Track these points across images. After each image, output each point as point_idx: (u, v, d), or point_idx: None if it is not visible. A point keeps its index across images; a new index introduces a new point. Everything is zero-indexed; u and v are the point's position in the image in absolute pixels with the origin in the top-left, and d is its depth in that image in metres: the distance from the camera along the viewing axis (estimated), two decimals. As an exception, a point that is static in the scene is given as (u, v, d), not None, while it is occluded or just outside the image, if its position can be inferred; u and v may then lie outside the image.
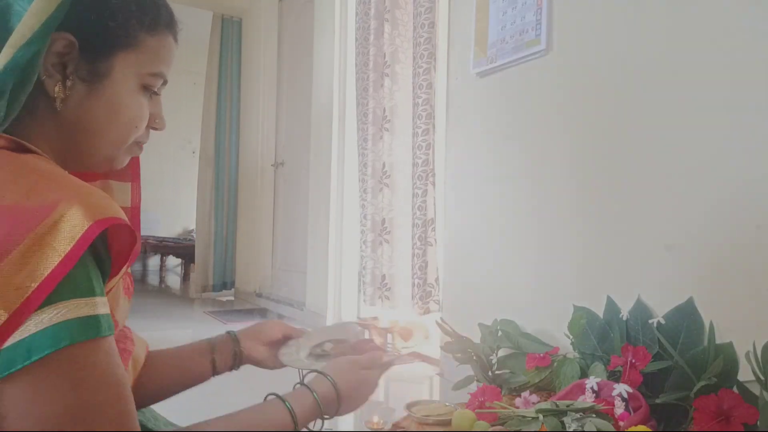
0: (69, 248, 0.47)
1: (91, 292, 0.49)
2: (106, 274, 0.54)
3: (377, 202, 2.49)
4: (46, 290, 0.46)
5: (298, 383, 0.77)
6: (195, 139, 4.93)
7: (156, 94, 0.67)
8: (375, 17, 2.53)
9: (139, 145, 0.68)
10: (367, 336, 0.94)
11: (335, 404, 0.73)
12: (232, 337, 0.91)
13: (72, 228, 0.47)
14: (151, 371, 0.80)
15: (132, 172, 0.74)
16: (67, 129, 0.60)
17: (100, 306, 0.50)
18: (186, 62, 6.20)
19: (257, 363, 0.93)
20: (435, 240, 2.19)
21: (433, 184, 2.19)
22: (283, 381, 0.87)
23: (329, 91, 3.09)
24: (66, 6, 0.55)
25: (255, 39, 4.19)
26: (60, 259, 0.47)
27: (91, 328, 0.49)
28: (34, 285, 0.46)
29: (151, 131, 0.70)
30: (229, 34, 4.35)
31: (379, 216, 2.48)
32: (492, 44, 1.87)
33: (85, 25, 0.58)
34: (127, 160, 0.68)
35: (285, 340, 0.94)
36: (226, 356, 0.89)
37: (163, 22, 0.64)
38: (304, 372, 0.81)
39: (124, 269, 0.58)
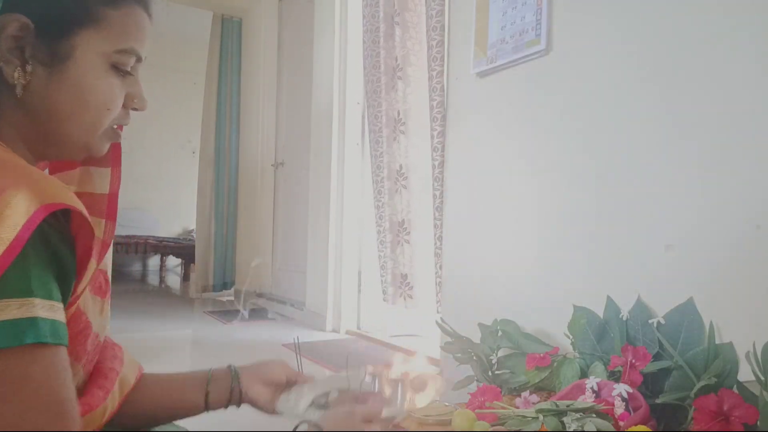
0: (13, 236, 0.42)
1: (26, 292, 0.43)
2: (70, 275, 0.50)
3: (394, 203, 2.50)
4: None
5: None
6: (195, 139, 4.93)
7: (130, 73, 0.61)
8: (384, 20, 2.53)
9: (117, 129, 0.63)
10: (376, 386, 0.88)
11: None
12: (233, 372, 0.83)
13: (16, 215, 0.43)
14: (141, 395, 0.75)
15: (112, 157, 0.69)
16: (34, 116, 0.56)
17: (41, 309, 0.44)
18: (186, 62, 6.25)
19: (254, 404, 0.84)
20: (448, 239, 2.20)
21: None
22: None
23: (329, 92, 3.09)
24: None
25: (255, 39, 4.20)
26: (4, 248, 0.42)
27: (20, 333, 0.42)
28: None
29: (141, 118, 0.66)
30: (229, 34, 4.34)
31: (398, 217, 2.49)
32: (492, 44, 1.87)
33: (38, 4, 0.54)
34: (106, 147, 0.64)
35: (289, 384, 0.86)
36: (222, 391, 0.81)
37: None
38: (300, 421, 0.74)
39: (91, 266, 0.53)
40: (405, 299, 2.45)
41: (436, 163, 2.19)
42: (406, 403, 0.87)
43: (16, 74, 0.54)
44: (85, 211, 0.49)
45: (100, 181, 0.69)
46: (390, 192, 2.52)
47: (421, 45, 2.43)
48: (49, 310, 0.45)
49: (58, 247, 0.48)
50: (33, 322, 0.43)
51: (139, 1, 0.61)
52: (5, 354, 0.42)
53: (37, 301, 0.44)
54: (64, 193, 0.47)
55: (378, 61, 2.57)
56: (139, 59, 0.61)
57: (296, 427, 0.73)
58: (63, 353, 0.47)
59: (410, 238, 2.46)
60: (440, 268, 2.19)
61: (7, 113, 0.56)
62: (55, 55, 0.55)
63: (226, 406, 0.82)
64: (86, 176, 0.69)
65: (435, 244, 2.23)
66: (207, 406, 0.81)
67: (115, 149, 0.69)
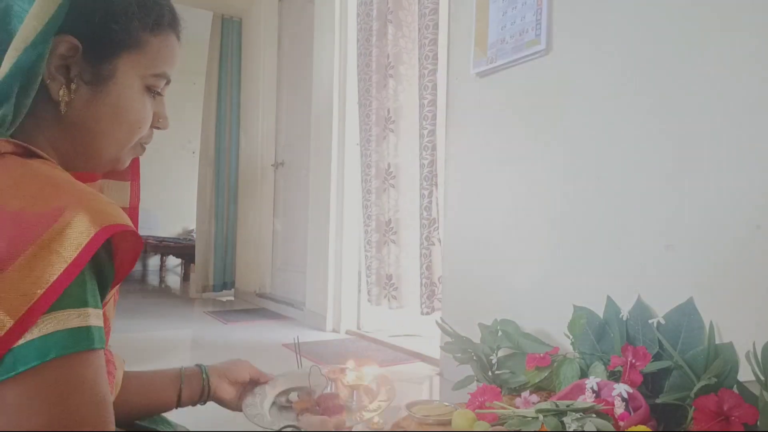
0: (75, 255, 0.46)
1: (83, 303, 0.48)
2: (108, 284, 0.53)
3: (382, 202, 2.49)
4: (52, 297, 0.45)
5: None
6: (195, 139, 4.93)
7: (159, 94, 0.67)
8: (377, 18, 2.53)
9: (141, 145, 0.68)
10: (331, 389, 0.95)
11: None
12: (203, 371, 0.90)
13: (78, 235, 0.47)
14: (123, 392, 0.79)
15: (131, 172, 0.74)
16: (72, 132, 0.59)
17: (93, 318, 0.49)
18: (186, 62, 6.21)
19: (221, 402, 0.92)
20: (438, 240, 2.19)
21: (436, 185, 2.20)
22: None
23: (329, 91, 3.09)
24: (66, 7, 0.54)
25: (255, 39, 4.19)
26: (66, 266, 0.46)
27: (81, 340, 0.47)
28: (40, 292, 0.45)
29: (155, 131, 0.69)
30: (229, 34, 4.34)
31: (384, 216, 2.48)
32: (492, 44, 1.87)
33: (87, 27, 0.57)
34: (129, 161, 0.68)
35: (252, 383, 0.94)
36: (193, 389, 0.88)
37: (166, 22, 0.64)
38: (282, 426, 0.81)
39: (125, 276, 0.57)
40: (389, 300, 2.45)
41: (425, 162, 2.19)
42: (362, 407, 0.93)
43: (61, 92, 0.57)
44: (135, 229, 0.53)
45: (119, 194, 0.73)
46: (378, 191, 2.52)
47: (414, 44, 2.43)
48: (97, 318, 0.49)
49: (102, 259, 0.52)
50: (89, 330, 0.48)
51: (174, 28, 0.66)
52: (66, 358, 0.46)
53: (91, 310, 0.49)
54: (119, 213, 0.51)
55: (370, 59, 2.57)
56: (168, 82, 0.67)
57: (282, 428, 0.80)
58: (103, 356, 0.52)
59: (396, 238, 2.45)
60: (426, 268, 2.19)
61: (46, 127, 0.59)
62: (98, 75, 0.59)
63: (194, 404, 0.89)
64: (106, 191, 0.72)
65: (422, 244, 2.22)
66: (179, 404, 0.87)
67: (134, 164, 0.73)
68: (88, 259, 0.47)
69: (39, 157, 0.54)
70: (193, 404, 0.89)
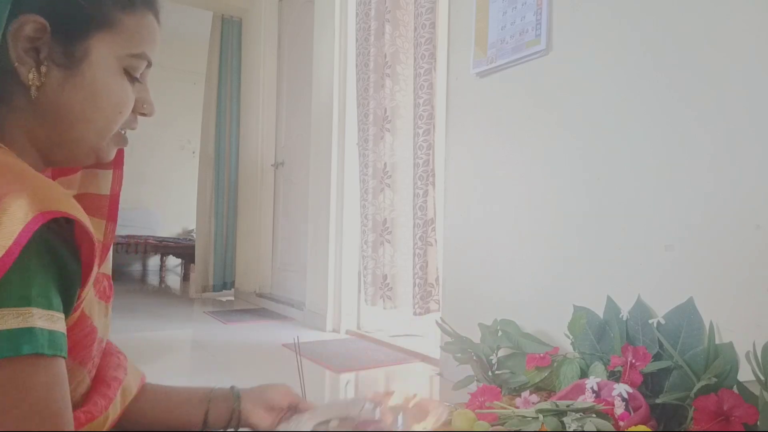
0: (8, 244, 0.41)
1: (25, 302, 0.42)
2: (75, 284, 0.49)
3: (378, 202, 2.49)
4: None
5: None
6: (195, 139, 4.93)
7: (140, 78, 0.62)
8: (375, 18, 2.53)
9: (124, 135, 0.64)
10: (377, 414, 0.88)
11: None
12: (234, 394, 0.83)
13: (13, 222, 0.42)
14: (142, 405, 0.75)
15: (115, 159, 0.68)
16: (47, 118, 0.56)
17: (39, 319, 0.43)
18: (186, 62, 6.25)
19: (254, 428, 0.83)
20: (435, 240, 2.19)
21: (433, 184, 2.19)
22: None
23: (329, 91, 3.09)
24: None
25: (255, 39, 4.19)
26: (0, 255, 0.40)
27: (15, 344, 0.41)
28: None
29: (141, 118, 0.65)
30: (229, 34, 4.34)
31: (381, 216, 2.48)
32: (492, 44, 1.87)
33: (55, 6, 0.54)
34: (113, 152, 0.64)
35: (291, 410, 0.85)
36: (222, 411, 0.81)
37: (140, 0, 0.60)
38: None
39: (94, 272, 0.52)
40: (384, 300, 2.45)
41: (420, 161, 2.18)
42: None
43: (30, 75, 0.54)
44: (86, 220, 0.48)
45: (102, 182, 0.69)
46: (374, 191, 2.51)
47: (411, 43, 2.42)
48: (47, 320, 0.44)
49: (61, 255, 0.47)
50: (30, 332, 0.42)
51: (151, 7, 0.62)
52: (3, 365, 0.41)
53: (36, 311, 0.43)
54: (65, 200, 0.47)
55: (368, 59, 2.57)
56: (149, 64, 0.62)
57: None
58: (61, 365, 0.46)
59: (392, 238, 2.45)
60: (420, 269, 2.19)
61: (18, 115, 0.55)
62: (70, 56, 0.55)
63: (224, 428, 0.81)
64: (88, 177, 0.69)
65: (415, 244, 2.22)
66: (205, 425, 0.80)
67: (118, 151, 0.69)
68: (22, 246, 0.41)
69: None
70: (224, 428, 0.82)
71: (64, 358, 0.46)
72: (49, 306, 0.44)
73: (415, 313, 2.21)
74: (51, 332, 0.44)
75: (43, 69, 0.54)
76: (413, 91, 2.27)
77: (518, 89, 1.79)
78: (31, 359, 0.42)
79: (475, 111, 1.97)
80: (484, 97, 1.93)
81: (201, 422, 0.80)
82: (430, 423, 0.84)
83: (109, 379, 0.66)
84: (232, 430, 0.82)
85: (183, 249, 5.50)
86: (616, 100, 1.49)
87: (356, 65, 2.70)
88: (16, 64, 0.53)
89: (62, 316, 0.46)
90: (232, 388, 0.84)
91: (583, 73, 1.58)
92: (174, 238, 6.32)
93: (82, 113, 0.57)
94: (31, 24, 0.53)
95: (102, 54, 0.57)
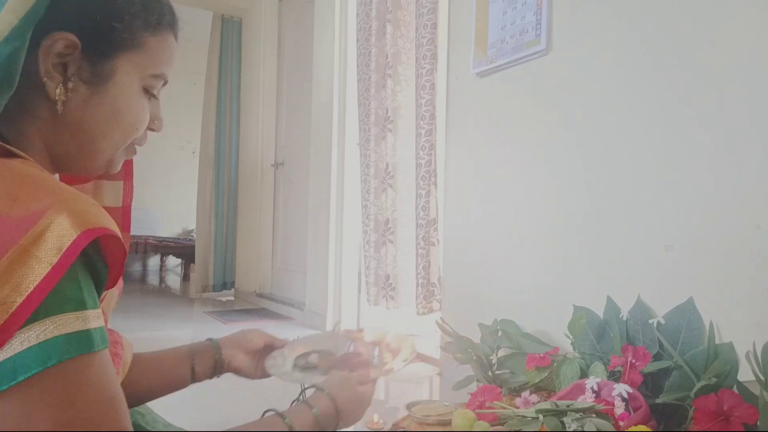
0: (56, 259, 0.44)
1: (81, 305, 0.46)
2: (102, 285, 0.52)
3: (380, 202, 2.49)
4: (32, 305, 0.43)
5: (295, 400, 0.77)
6: (195, 139, 4.93)
7: (155, 95, 0.65)
8: (376, 18, 2.53)
9: (134, 147, 0.66)
10: (352, 348, 0.94)
11: (334, 420, 0.73)
12: (214, 345, 0.89)
13: (59, 238, 0.45)
14: (133, 375, 0.79)
15: (124, 171, 0.72)
16: (68, 132, 0.58)
17: (93, 319, 0.47)
18: (186, 62, 6.21)
19: (238, 372, 0.91)
20: (437, 240, 2.19)
21: (435, 184, 2.20)
22: (273, 386, 0.85)
23: (329, 91, 3.09)
24: (46, 1, 0.52)
25: (255, 39, 4.19)
26: (47, 270, 0.44)
27: (81, 344, 0.46)
28: (20, 299, 0.43)
29: (148, 133, 0.68)
30: (229, 34, 4.34)
31: (383, 216, 2.48)
32: (492, 44, 1.87)
33: (88, 25, 0.56)
34: (121, 164, 0.66)
35: (267, 349, 0.92)
36: (206, 364, 0.87)
37: (166, 22, 0.62)
38: (306, 385, 0.81)
39: (116, 280, 0.55)
40: (387, 300, 2.45)
41: (422, 162, 2.18)
42: (384, 363, 0.91)
43: (58, 90, 0.55)
44: (119, 234, 0.51)
45: (113, 194, 0.72)
46: (376, 191, 2.51)
47: (412, 43, 2.42)
48: (97, 319, 0.48)
49: (94, 259, 0.50)
50: (89, 333, 0.46)
51: (173, 28, 0.64)
52: (68, 363, 0.45)
53: (90, 312, 0.47)
54: (103, 215, 0.50)
55: (369, 59, 2.57)
56: (165, 83, 0.65)
57: (302, 392, 0.79)
58: (108, 355, 0.50)
59: (394, 238, 2.45)
60: (423, 269, 2.19)
61: (41, 126, 0.57)
62: (97, 75, 0.57)
63: (210, 377, 0.88)
64: (99, 190, 0.72)
65: (418, 244, 2.22)
66: (194, 379, 0.86)
67: (127, 163, 0.71)
68: (70, 263, 0.45)
69: (18, 156, 0.52)
70: (209, 378, 0.89)
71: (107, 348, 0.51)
72: (95, 306, 0.49)
73: (418, 313, 2.21)
74: (101, 329, 0.48)
75: (70, 85, 0.56)
76: (415, 91, 2.27)
77: (518, 89, 1.79)
78: (89, 355, 0.47)
79: (475, 111, 1.97)
80: (484, 97, 1.93)
81: (189, 377, 0.86)
82: (404, 355, 0.90)
83: (112, 355, 0.68)
84: (217, 377, 0.89)
85: (183, 249, 5.50)
86: (616, 100, 1.49)
87: (357, 65, 2.70)
88: (45, 78, 0.55)
89: (101, 312, 0.50)
90: (209, 339, 0.90)
91: (583, 73, 1.58)
92: (174, 238, 6.32)
93: (103, 129, 0.59)
94: (62, 41, 0.54)
95: (126, 73, 0.59)
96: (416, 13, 2.27)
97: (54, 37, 0.54)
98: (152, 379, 0.83)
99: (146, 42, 0.60)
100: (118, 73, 0.59)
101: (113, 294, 0.64)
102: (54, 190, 0.48)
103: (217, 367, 0.88)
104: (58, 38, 0.54)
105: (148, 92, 0.63)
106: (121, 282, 0.73)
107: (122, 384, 0.73)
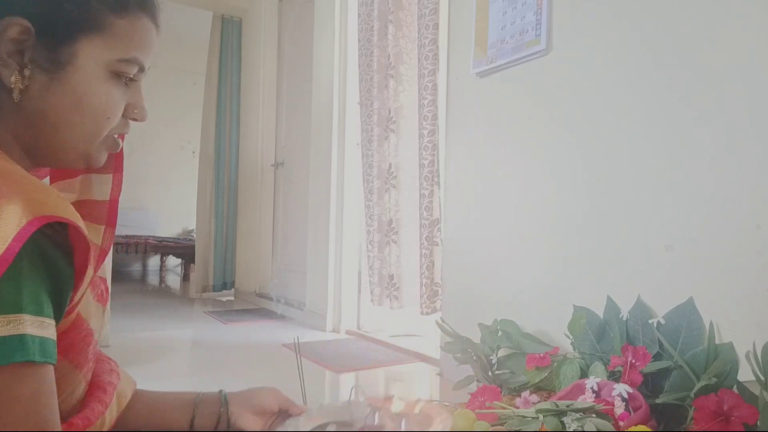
0: (2, 249, 0.41)
1: (16, 308, 0.42)
2: (67, 289, 0.48)
3: (383, 202, 2.50)
4: None
5: None
6: (195, 139, 4.93)
7: (133, 80, 0.61)
8: (378, 18, 2.53)
9: (116, 139, 0.63)
10: (377, 420, 0.83)
11: None
12: (222, 398, 0.81)
13: (6, 227, 0.41)
14: (133, 412, 0.74)
15: (115, 164, 0.68)
16: (31, 122, 0.55)
17: (30, 326, 0.42)
18: (186, 62, 6.25)
19: None
20: (440, 240, 2.20)
21: (438, 184, 2.20)
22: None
23: (329, 91, 3.09)
24: None
25: (255, 39, 4.19)
26: None
27: (11, 351, 0.41)
28: None
29: (134, 123, 0.64)
30: (229, 34, 4.34)
31: (386, 216, 2.48)
32: (492, 44, 1.87)
33: (39, 8, 0.53)
34: (104, 157, 0.63)
35: (282, 414, 0.83)
36: (209, 415, 0.79)
37: (135, 2, 0.58)
38: None
39: (88, 275, 0.51)
40: (391, 300, 2.45)
41: (425, 162, 2.19)
42: None
43: (13, 78, 0.53)
44: (81, 224, 0.48)
45: (101, 187, 0.68)
46: (379, 191, 2.52)
47: (414, 44, 2.43)
48: (38, 327, 0.44)
49: (54, 259, 0.46)
50: (22, 339, 0.42)
51: (146, 10, 0.60)
52: None
53: (27, 317, 0.43)
54: (60, 204, 0.46)
55: (371, 59, 2.57)
56: (141, 69, 0.61)
57: None
58: (50, 371, 0.45)
59: (397, 238, 2.45)
60: (427, 268, 2.19)
61: (4, 118, 0.55)
62: (55, 60, 0.54)
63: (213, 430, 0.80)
64: (87, 183, 0.68)
65: (422, 244, 2.22)
66: (192, 429, 0.78)
67: (118, 156, 0.68)
68: (16, 252, 0.41)
69: None
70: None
71: (53, 364, 0.46)
72: (39, 312, 0.44)
73: (422, 313, 2.22)
74: (42, 339, 0.43)
75: (27, 72, 0.53)
76: (417, 91, 2.27)
77: (518, 89, 1.79)
78: (21, 366, 0.42)
79: (475, 111, 1.97)
80: (484, 97, 1.93)
81: (187, 426, 0.79)
82: (437, 429, 0.79)
83: (105, 383, 0.66)
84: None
85: (183, 249, 5.50)
86: (616, 100, 1.49)
87: (359, 65, 2.70)
88: (0, 66, 0.53)
89: (53, 322, 0.46)
90: (220, 391, 0.82)
91: (583, 73, 1.58)
92: (174, 238, 6.32)
93: (66, 118, 0.56)
94: (14, 26, 0.52)
95: (89, 59, 0.56)
96: (418, 14, 2.27)
97: (5, 22, 0.52)
98: (149, 419, 0.77)
99: (112, 24, 0.56)
100: (80, 58, 0.55)
101: (89, 299, 0.59)
102: (14, 180, 0.46)
103: (221, 424, 0.79)
104: (10, 24, 0.52)
105: (120, 78, 0.59)
106: (106, 285, 0.68)
107: (117, 420, 0.69)
